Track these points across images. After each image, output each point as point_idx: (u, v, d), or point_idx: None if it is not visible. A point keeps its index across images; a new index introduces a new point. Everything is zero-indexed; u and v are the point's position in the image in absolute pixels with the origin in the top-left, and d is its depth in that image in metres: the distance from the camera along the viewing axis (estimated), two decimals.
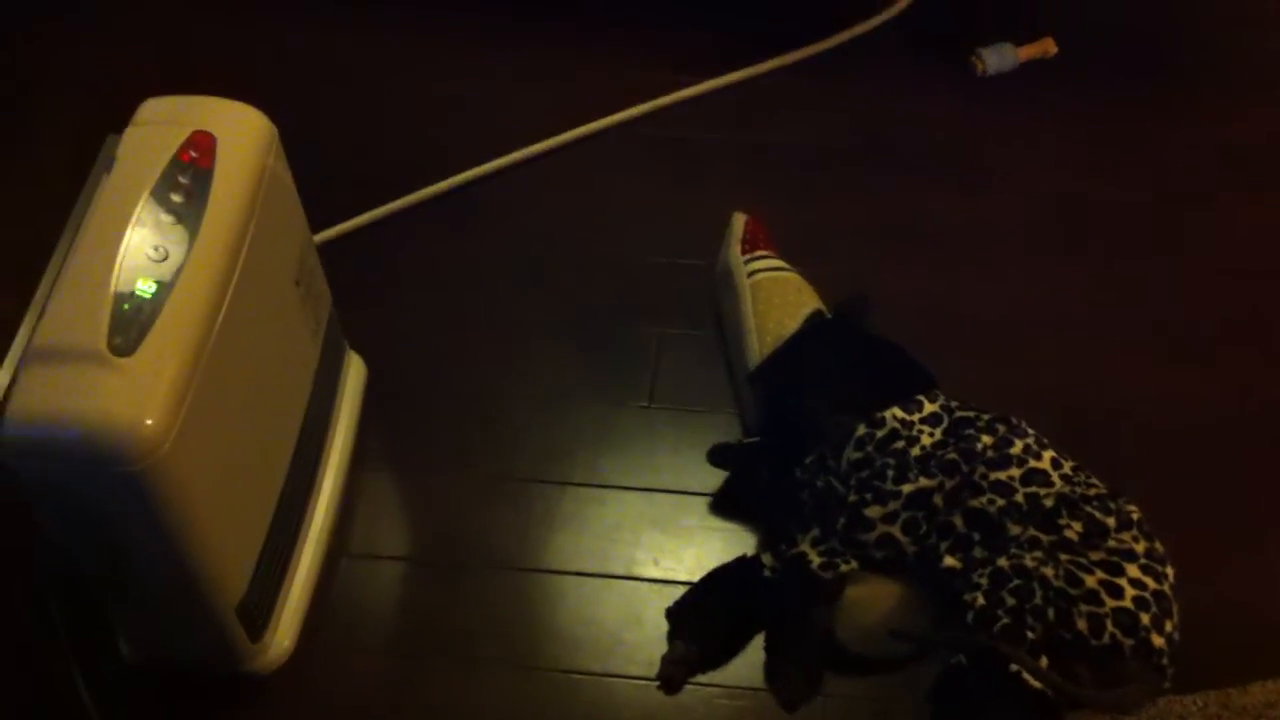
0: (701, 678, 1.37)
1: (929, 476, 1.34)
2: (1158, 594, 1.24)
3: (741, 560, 1.42)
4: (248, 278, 1.20)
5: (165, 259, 1.14)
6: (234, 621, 1.27)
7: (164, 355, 1.09)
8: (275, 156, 1.29)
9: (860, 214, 1.81)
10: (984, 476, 1.32)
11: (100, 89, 1.70)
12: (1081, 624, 1.21)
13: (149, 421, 1.06)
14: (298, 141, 1.35)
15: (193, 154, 1.22)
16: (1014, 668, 1.19)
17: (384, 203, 1.80)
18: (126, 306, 1.10)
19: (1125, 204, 1.81)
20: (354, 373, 1.58)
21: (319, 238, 1.69)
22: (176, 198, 1.18)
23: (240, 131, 1.26)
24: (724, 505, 1.51)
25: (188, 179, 1.20)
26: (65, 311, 1.10)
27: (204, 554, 1.18)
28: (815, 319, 1.53)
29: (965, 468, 1.33)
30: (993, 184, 1.85)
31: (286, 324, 1.35)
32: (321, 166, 1.43)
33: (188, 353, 1.10)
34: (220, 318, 1.15)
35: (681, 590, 1.41)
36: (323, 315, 1.45)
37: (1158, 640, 1.22)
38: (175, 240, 1.15)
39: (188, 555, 1.16)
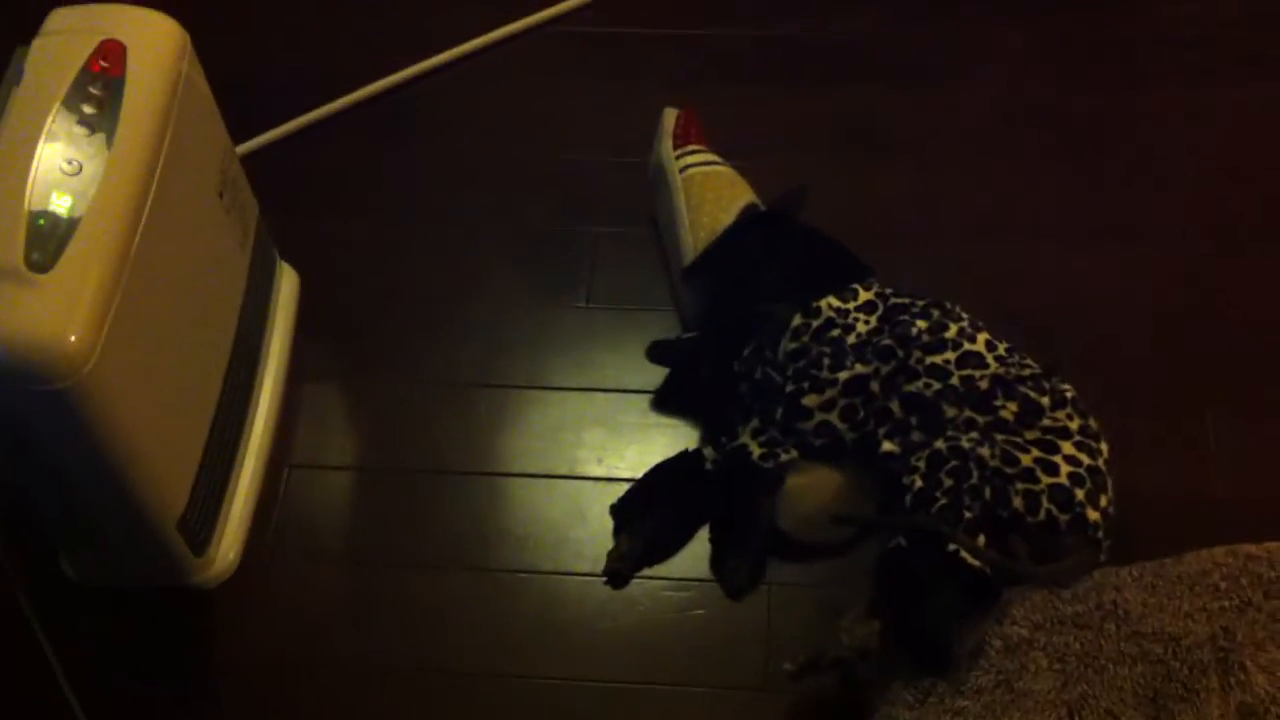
0: (647, 571, 1.39)
1: (865, 363, 1.35)
2: (1092, 469, 1.26)
3: (683, 455, 1.43)
4: (167, 189, 1.17)
5: (80, 172, 1.11)
6: (175, 537, 1.26)
7: (83, 270, 1.07)
8: (189, 63, 1.26)
9: (798, 111, 1.79)
10: (920, 361, 1.33)
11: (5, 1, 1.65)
12: (1018, 501, 1.23)
13: (71, 338, 1.04)
14: (217, 49, 1.31)
15: (103, 63, 1.19)
16: (952, 547, 1.21)
17: (310, 109, 1.76)
18: (42, 222, 1.08)
19: (1080, 106, 1.80)
20: (287, 283, 1.56)
21: (244, 148, 1.66)
22: (88, 109, 1.15)
23: (151, 39, 1.23)
24: (664, 401, 1.51)
25: (99, 89, 1.17)
26: None
27: (138, 470, 1.17)
28: (749, 212, 1.52)
29: (901, 353, 1.34)
30: (940, 82, 1.82)
31: (211, 236, 1.33)
32: (249, 77, 1.40)
33: (107, 267, 1.09)
34: (140, 230, 1.13)
35: (625, 487, 1.42)
36: (249, 226, 1.43)
37: (1093, 514, 1.24)
38: (89, 153, 1.13)
39: (121, 472, 1.16)
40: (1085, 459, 1.26)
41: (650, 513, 1.41)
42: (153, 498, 1.21)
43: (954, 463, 1.26)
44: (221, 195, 1.33)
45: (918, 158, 1.74)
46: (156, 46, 1.23)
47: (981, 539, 1.22)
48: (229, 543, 1.37)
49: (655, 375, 1.52)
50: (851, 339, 1.37)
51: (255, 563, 1.39)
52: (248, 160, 1.48)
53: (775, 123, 1.77)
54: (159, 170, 1.17)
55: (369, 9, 1.91)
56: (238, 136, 1.43)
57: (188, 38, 1.26)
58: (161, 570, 1.31)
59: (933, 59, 1.85)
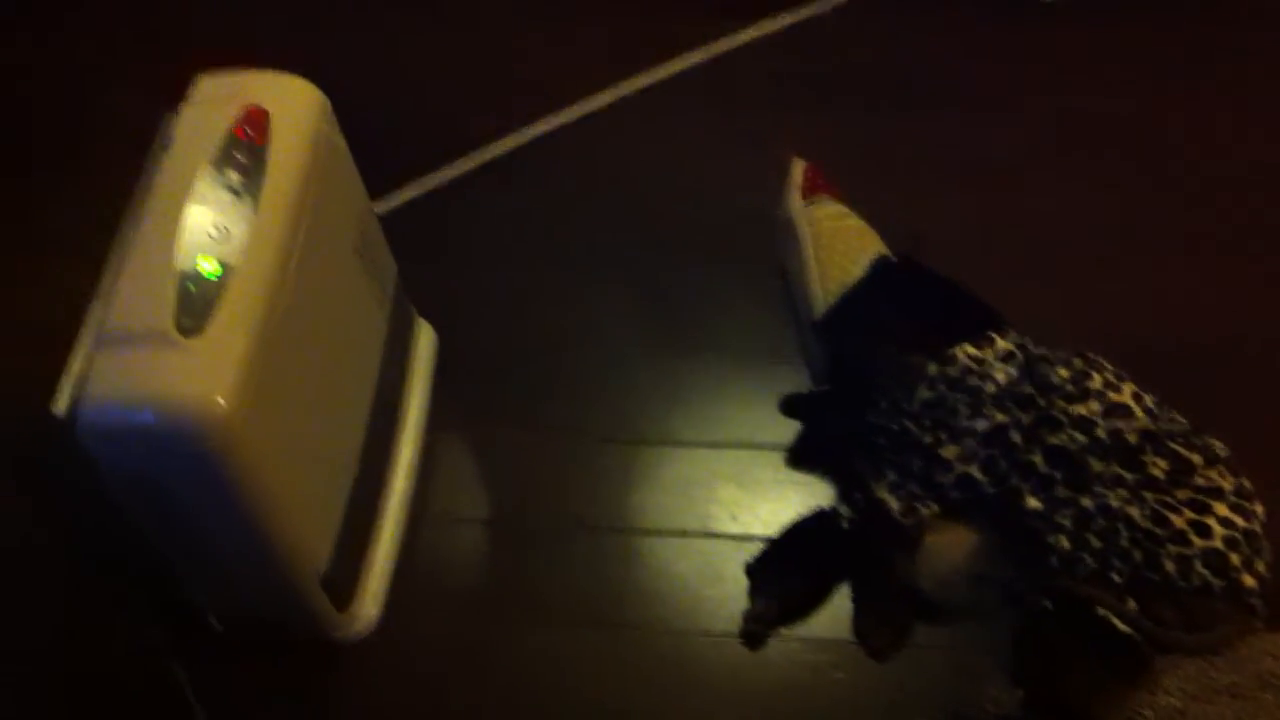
0: (784, 632, 1.37)
1: (1005, 412, 1.31)
2: (1248, 532, 1.21)
3: (819, 512, 1.41)
4: (309, 251, 1.20)
5: (226, 237, 1.14)
6: (319, 593, 1.28)
7: (231, 333, 1.09)
8: (329, 127, 1.28)
9: (922, 148, 1.77)
10: (1063, 411, 1.30)
11: (153, 71, 1.71)
12: (1169, 565, 1.19)
13: (220, 400, 1.06)
14: (351, 111, 1.34)
15: (247, 129, 1.22)
16: (1101, 612, 1.17)
17: (440, 168, 1.79)
18: (191, 287, 1.10)
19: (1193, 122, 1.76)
20: (424, 339, 1.58)
21: (380, 207, 1.68)
22: (234, 174, 1.18)
23: (293, 104, 1.26)
24: (798, 457, 1.49)
25: (244, 155, 1.20)
26: (131, 296, 1.11)
27: (284, 528, 1.19)
28: (879, 263, 1.50)
29: (1042, 401, 1.31)
30: (1056, 112, 1.80)
31: (352, 294, 1.35)
32: (378, 137, 1.43)
33: (254, 329, 1.11)
34: (284, 292, 1.15)
35: (760, 545, 1.41)
36: (388, 284, 1.45)
37: (1249, 580, 1.19)
38: (235, 217, 1.15)
39: (267, 530, 1.17)
40: (1240, 521, 1.22)
41: (786, 573, 1.39)
42: (297, 555, 1.23)
43: (1102, 522, 1.22)
44: (360, 254, 1.35)
45: (1040, 187, 1.71)
46: (298, 111, 1.25)
47: (1132, 604, 1.18)
48: (371, 598, 1.39)
49: (787, 429, 1.51)
50: (990, 388, 1.34)
51: (394, 617, 1.40)
52: (384, 218, 1.50)
53: (899, 163, 1.75)
54: (302, 232, 1.19)
55: (496, 67, 1.93)
56: (376, 196, 1.46)
57: (327, 101, 1.28)
58: (305, 625, 1.33)
59: (1051, 89, 1.83)
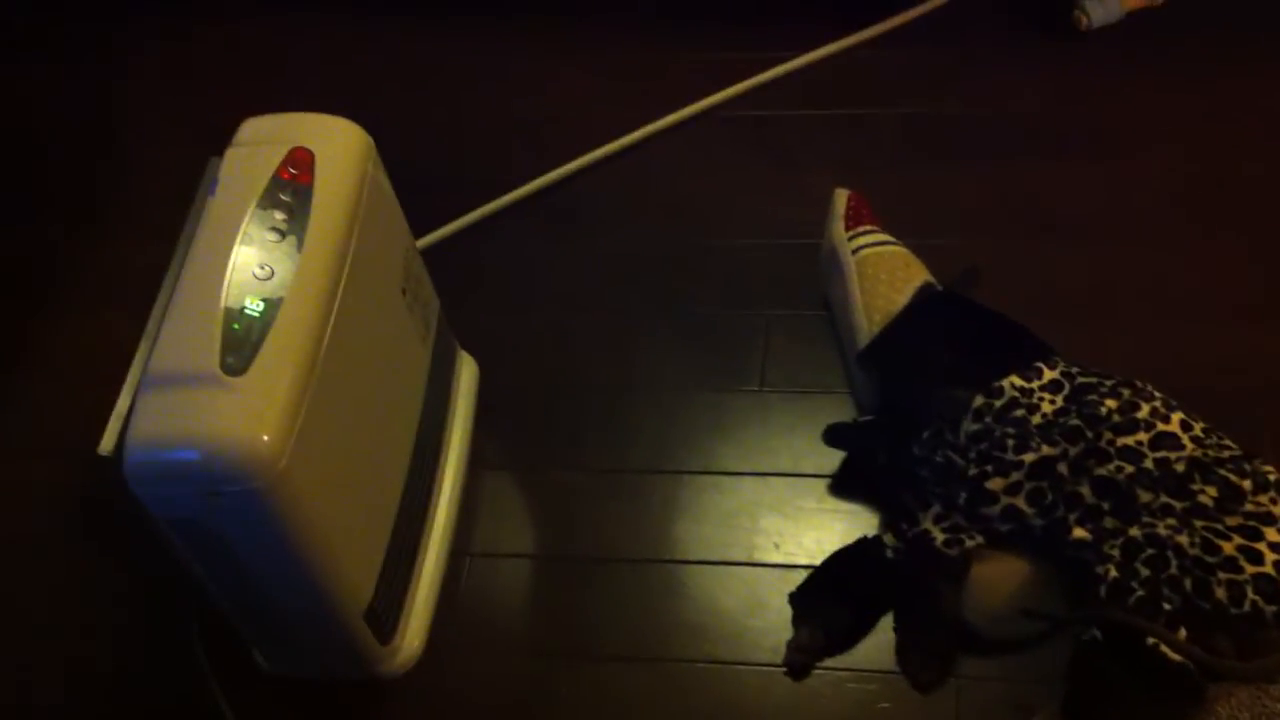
0: (829, 662, 1.36)
1: (1051, 445, 1.30)
2: None
3: (863, 542, 1.40)
4: (354, 289, 1.21)
5: (272, 276, 1.16)
6: (363, 627, 1.29)
7: (276, 372, 1.11)
8: (374, 167, 1.30)
9: (964, 186, 1.76)
10: (1110, 442, 1.28)
11: (198, 112, 1.75)
12: (1220, 593, 1.17)
13: (265, 438, 1.07)
14: (393, 150, 1.36)
15: (292, 171, 1.23)
16: (1152, 641, 1.16)
17: (482, 204, 1.81)
18: (237, 326, 1.12)
19: (1247, 173, 1.73)
20: (466, 374, 1.59)
21: (422, 243, 1.70)
22: (279, 215, 1.20)
23: (337, 145, 1.27)
24: (842, 486, 1.48)
25: (289, 196, 1.21)
26: (178, 335, 1.12)
27: (328, 564, 1.20)
28: (925, 292, 1.50)
29: (1090, 434, 1.30)
30: (1102, 152, 1.78)
31: (396, 332, 1.37)
32: (418, 173, 1.44)
33: (299, 368, 1.12)
34: (329, 331, 1.16)
35: (804, 575, 1.40)
36: (431, 320, 1.46)
37: None
38: (280, 257, 1.17)
39: (312, 567, 1.18)
40: None
41: (831, 602, 1.38)
42: (341, 590, 1.24)
43: (1151, 551, 1.21)
44: (405, 292, 1.37)
45: (1091, 235, 1.69)
46: (343, 152, 1.27)
47: (1183, 632, 1.17)
48: (413, 632, 1.39)
49: (832, 460, 1.50)
50: (1037, 419, 1.33)
51: (437, 652, 1.40)
52: (426, 255, 1.52)
53: (941, 202, 1.74)
54: (346, 271, 1.20)
55: (534, 102, 1.95)
56: (417, 232, 1.47)
57: (372, 142, 1.30)
58: (349, 660, 1.34)
59: (1096, 133, 1.81)
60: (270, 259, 1.17)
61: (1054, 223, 1.71)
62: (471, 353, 1.62)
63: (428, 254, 1.65)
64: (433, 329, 1.47)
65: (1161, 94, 1.83)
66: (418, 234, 1.52)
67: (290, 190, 1.22)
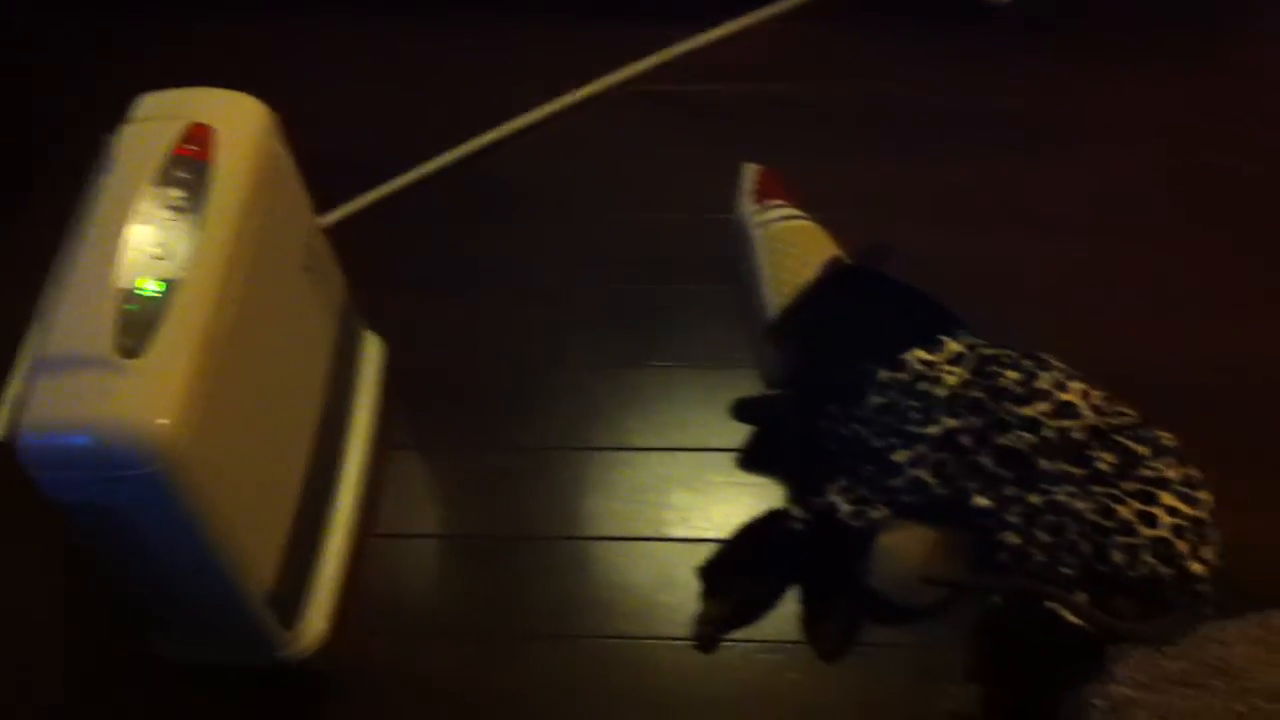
0: (738, 634, 1.37)
1: (955, 417, 1.32)
2: (1195, 520, 1.22)
3: (771, 514, 1.41)
4: (254, 268, 1.19)
5: (168, 256, 1.13)
6: (266, 611, 1.27)
7: (173, 354, 1.08)
8: (275, 144, 1.28)
9: (879, 166, 1.78)
10: (1011, 413, 1.30)
11: (97, 88, 1.70)
12: (1118, 556, 1.20)
13: (162, 421, 1.05)
14: (297, 126, 1.33)
15: (190, 147, 1.21)
16: (1052, 605, 1.18)
17: (390, 179, 1.79)
18: (132, 307, 1.09)
19: (1170, 163, 1.77)
20: (372, 353, 1.57)
21: (326, 221, 1.68)
22: (176, 193, 1.17)
23: (238, 121, 1.25)
24: (750, 460, 1.49)
25: (186, 173, 1.19)
26: (71, 318, 1.09)
27: (230, 548, 1.18)
28: (833, 266, 1.51)
29: (992, 405, 1.32)
30: (1016, 134, 1.81)
31: (298, 311, 1.35)
32: (323, 150, 1.43)
33: (197, 349, 1.10)
34: (229, 310, 1.14)
35: (712, 548, 1.41)
36: (335, 299, 1.45)
37: (1196, 567, 1.20)
38: (178, 236, 1.14)
39: (213, 551, 1.16)
40: (1187, 509, 1.23)
41: (739, 574, 1.39)
42: (243, 574, 1.22)
43: (1050, 518, 1.23)
44: (307, 270, 1.35)
45: (1015, 221, 1.71)
46: (243, 128, 1.24)
47: (1082, 596, 1.19)
48: (318, 615, 1.37)
49: (740, 434, 1.51)
50: (941, 392, 1.35)
51: (343, 636, 1.39)
52: (331, 233, 1.50)
53: (855, 178, 1.76)
54: (247, 249, 1.18)
55: (445, 79, 1.93)
56: (320, 209, 1.45)
57: (274, 117, 1.28)
58: (251, 645, 1.32)
59: (1028, 122, 1.84)
60: (168, 238, 1.14)
61: (969, 203, 1.73)
62: (378, 332, 1.60)
63: (332, 232, 1.64)
64: (337, 308, 1.45)
65: (1068, 75, 1.86)
66: (322, 212, 1.50)
67: (188, 167, 1.19)
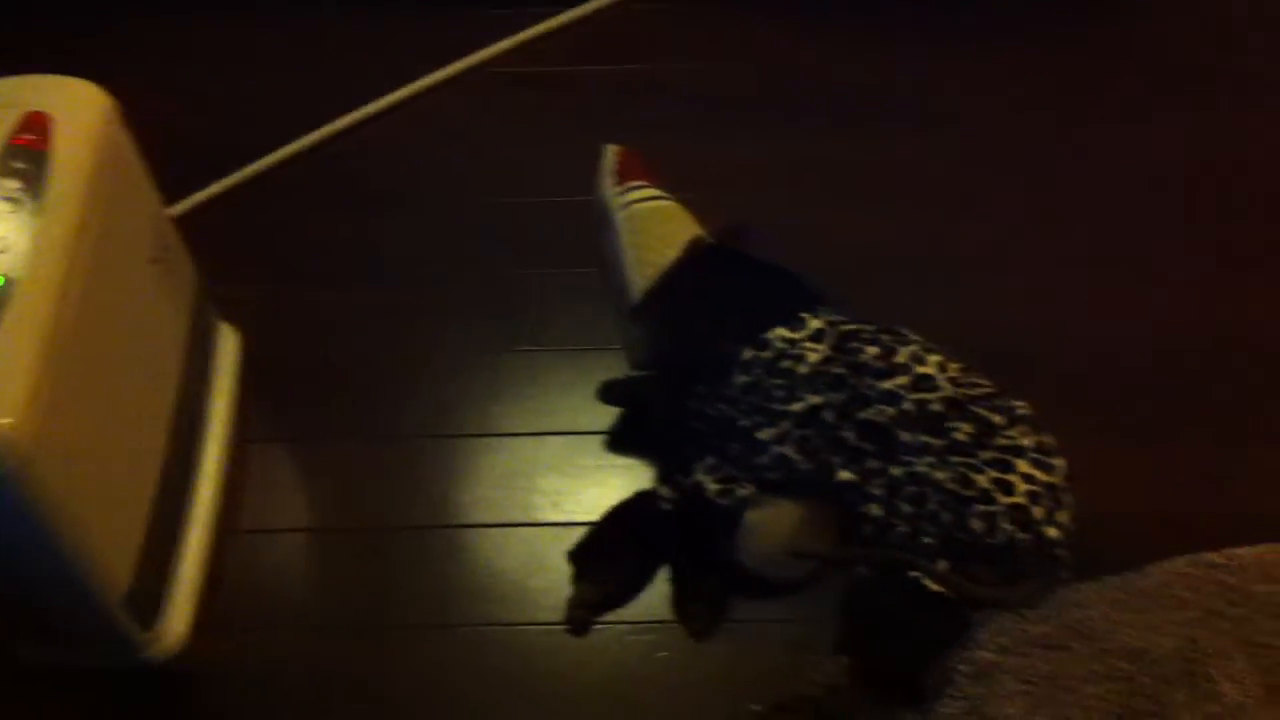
0: (610, 616, 1.37)
1: (817, 393, 1.34)
2: (1049, 486, 1.25)
3: (639, 495, 1.42)
4: (98, 259, 1.15)
5: (6, 250, 1.09)
6: (123, 612, 1.23)
7: (14, 350, 1.05)
8: (117, 131, 1.24)
9: (745, 147, 1.79)
10: (871, 387, 1.32)
11: None
12: (977, 524, 1.22)
13: (4, 421, 1.01)
14: (142, 113, 1.30)
15: (27, 136, 1.17)
16: (916, 574, 1.20)
17: (240, 169, 1.75)
18: None
19: (1026, 128, 1.81)
20: (228, 346, 1.53)
21: (175, 210, 1.64)
22: (13, 184, 1.13)
23: (77, 108, 1.21)
24: (618, 442, 1.50)
25: (23, 163, 1.15)
26: None
27: (83, 548, 1.14)
28: (695, 246, 1.51)
29: (853, 381, 1.33)
30: (882, 114, 1.84)
31: (147, 304, 1.31)
32: (175, 139, 1.39)
33: (40, 346, 1.06)
34: (72, 305, 1.11)
35: (583, 531, 1.40)
36: (186, 291, 1.41)
37: (1052, 532, 1.23)
38: (16, 229, 1.11)
39: (64, 551, 1.12)
40: (1042, 476, 1.26)
41: (609, 556, 1.39)
42: (98, 574, 1.18)
43: (911, 489, 1.25)
44: (156, 261, 1.31)
45: (880, 197, 1.74)
46: (83, 115, 1.21)
47: (943, 564, 1.22)
48: (178, 615, 1.34)
49: (608, 416, 1.51)
50: (803, 369, 1.36)
51: (207, 634, 1.36)
52: (183, 223, 1.46)
53: (719, 158, 1.77)
54: (89, 241, 1.15)
55: (301, 63, 1.89)
56: (172, 199, 1.41)
57: (115, 105, 1.24)
58: (109, 647, 1.28)
59: (882, 96, 1.86)
60: (5, 231, 1.10)
61: (832, 182, 1.75)
62: (235, 324, 1.56)
63: (184, 222, 1.59)
64: (189, 300, 1.41)
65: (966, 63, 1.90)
66: (172, 201, 1.46)
67: (25, 157, 1.15)
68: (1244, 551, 1.28)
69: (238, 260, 1.64)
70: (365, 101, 1.82)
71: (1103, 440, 1.41)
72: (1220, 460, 1.46)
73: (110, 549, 1.20)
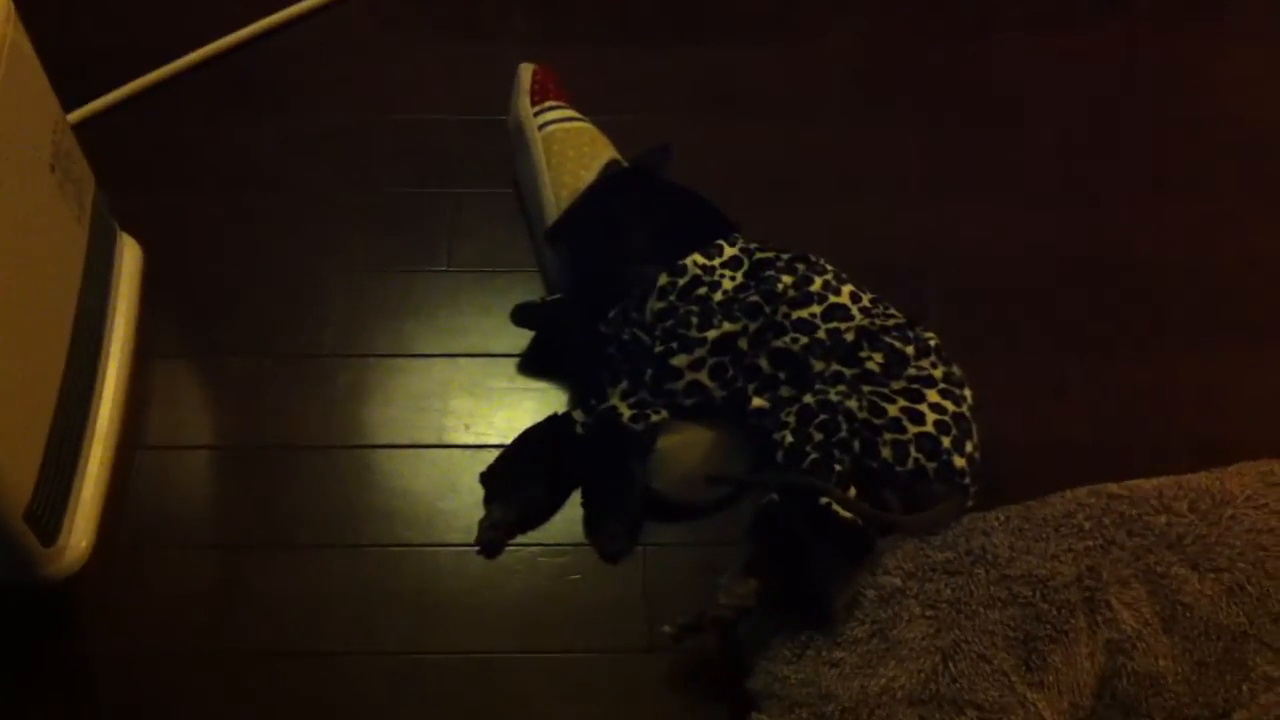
0: (522, 538, 1.37)
1: (732, 320, 1.34)
2: (957, 416, 1.27)
3: (552, 419, 1.41)
4: None
5: None
6: (22, 528, 1.20)
7: None
8: (14, 29, 1.19)
9: (664, 65, 1.77)
10: (786, 316, 1.33)
11: None
12: (886, 452, 1.24)
13: None
14: (47, 18, 1.24)
15: None
16: (825, 500, 1.21)
17: (142, 75, 1.69)
18: None
19: (936, 56, 1.81)
20: (129, 257, 1.49)
21: (77, 115, 1.58)
22: None
23: None
24: (532, 365, 1.49)
25: None
26: None
27: None
28: (611, 169, 1.50)
29: (768, 309, 1.34)
30: (799, 36, 1.82)
31: (44, 211, 1.26)
32: (75, 43, 1.33)
33: None
34: None
35: (495, 454, 1.40)
36: (86, 199, 1.36)
37: (959, 461, 1.25)
38: None
39: None
40: (950, 406, 1.28)
41: (521, 479, 1.38)
42: None
43: (823, 416, 1.26)
44: (54, 169, 1.26)
45: (779, 114, 1.73)
46: None
47: (853, 491, 1.23)
48: (80, 531, 1.31)
49: (522, 339, 1.50)
50: (718, 296, 1.36)
51: (110, 550, 1.33)
52: (83, 130, 1.41)
53: (635, 81, 1.75)
54: None
55: None
56: (71, 106, 1.36)
57: (9, 2, 1.19)
58: (10, 563, 1.25)
59: (788, 14, 1.85)
60: None
61: (739, 100, 1.74)
62: (137, 235, 1.52)
63: (90, 128, 1.54)
64: (88, 209, 1.36)
65: None
66: (72, 108, 1.40)
67: None
68: (1143, 483, 1.31)
69: (137, 171, 1.60)
70: (273, 10, 1.76)
71: (990, 364, 1.43)
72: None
73: (10, 463, 1.17)
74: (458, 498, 1.39)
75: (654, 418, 1.35)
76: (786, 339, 1.32)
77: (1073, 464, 1.38)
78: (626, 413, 1.35)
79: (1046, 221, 1.64)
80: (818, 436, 1.25)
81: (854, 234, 1.58)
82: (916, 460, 1.24)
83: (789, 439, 1.26)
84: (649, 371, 1.36)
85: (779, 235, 1.42)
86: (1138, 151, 1.72)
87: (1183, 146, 1.72)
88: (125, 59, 1.70)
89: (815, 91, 1.76)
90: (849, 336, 1.31)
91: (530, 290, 1.54)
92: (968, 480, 1.27)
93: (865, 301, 1.35)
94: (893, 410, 1.26)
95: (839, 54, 1.80)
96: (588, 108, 1.56)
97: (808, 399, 1.28)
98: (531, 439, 1.40)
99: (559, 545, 1.36)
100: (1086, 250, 1.62)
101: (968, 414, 1.28)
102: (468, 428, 1.44)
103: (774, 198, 1.62)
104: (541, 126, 1.54)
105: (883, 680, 1.18)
